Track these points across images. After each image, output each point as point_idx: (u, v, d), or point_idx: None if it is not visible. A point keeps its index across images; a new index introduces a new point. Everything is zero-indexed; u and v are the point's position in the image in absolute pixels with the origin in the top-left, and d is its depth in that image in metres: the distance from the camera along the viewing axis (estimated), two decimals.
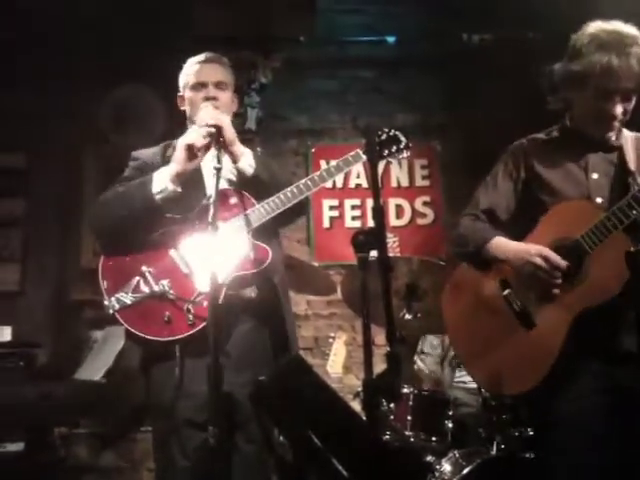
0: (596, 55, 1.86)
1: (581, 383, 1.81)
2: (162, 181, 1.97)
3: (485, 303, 2.01)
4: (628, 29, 1.88)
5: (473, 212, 2.09)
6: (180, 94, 2.25)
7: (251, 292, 2.08)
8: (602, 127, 1.94)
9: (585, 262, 1.83)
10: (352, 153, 2.10)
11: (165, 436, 1.98)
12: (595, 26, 1.92)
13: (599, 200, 1.90)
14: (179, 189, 1.99)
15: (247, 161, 2.04)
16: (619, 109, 1.89)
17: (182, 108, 2.24)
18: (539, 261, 1.87)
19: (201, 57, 2.22)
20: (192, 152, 1.97)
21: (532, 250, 1.90)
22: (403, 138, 2.16)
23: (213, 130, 1.96)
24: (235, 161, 2.04)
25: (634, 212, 1.76)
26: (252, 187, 2.05)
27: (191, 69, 2.21)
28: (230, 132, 2.01)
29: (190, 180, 2.02)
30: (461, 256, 2.10)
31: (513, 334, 1.93)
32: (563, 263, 1.86)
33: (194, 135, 1.98)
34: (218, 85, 2.17)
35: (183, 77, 2.23)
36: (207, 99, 2.13)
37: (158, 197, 1.97)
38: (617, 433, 1.78)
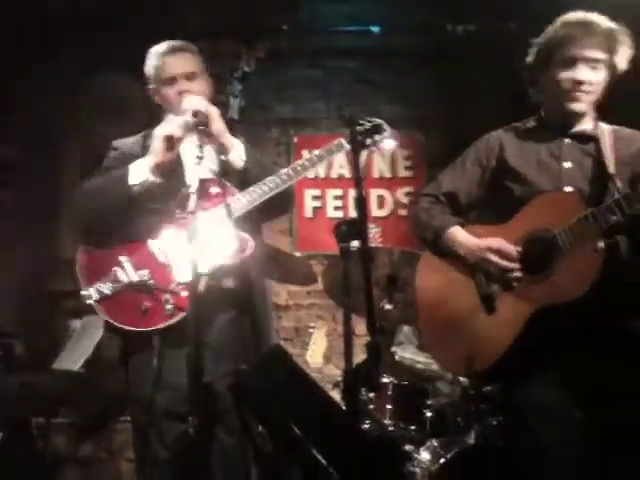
0: (560, 28, 1.92)
1: (550, 375, 1.82)
2: (141, 173, 1.94)
3: (453, 284, 2.02)
4: (593, 14, 1.91)
5: (434, 193, 2.09)
6: (151, 87, 2.16)
7: (231, 282, 2.07)
8: (569, 98, 1.91)
9: (556, 258, 1.82)
10: (335, 142, 2.09)
11: (144, 427, 1.97)
12: (562, 16, 1.96)
13: (569, 189, 1.90)
14: (159, 180, 1.96)
15: (238, 153, 2.00)
16: (584, 75, 1.89)
17: (157, 102, 2.16)
18: (489, 255, 1.90)
19: (164, 47, 2.13)
20: (170, 143, 1.93)
21: (482, 245, 1.92)
22: (387, 127, 2.15)
23: (190, 120, 1.91)
24: (225, 153, 1.99)
25: (614, 218, 1.74)
26: (238, 179, 2.02)
27: (158, 62, 2.12)
28: (219, 123, 1.96)
29: (170, 170, 2.00)
30: (421, 240, 2.11)
31: (475, 316, 1.95)
32: (514, 251, 1.87)
33: (172, 125, 1.94)
34: (188, 77, 2.11)
35: (150, 69, 2.15)
36: (180, 94, 2.06)
37: (136, 189, 1.94)
38: (585, 425, 1.80)
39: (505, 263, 1.88)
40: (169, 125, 1.96)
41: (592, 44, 1.88)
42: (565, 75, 1.90)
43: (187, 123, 1.92)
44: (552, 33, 1.93)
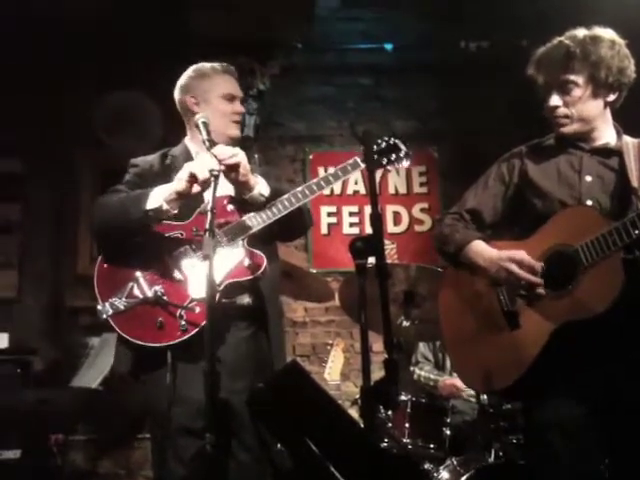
0: (533, 61, 1.97)
1: (571, 391, 1.79)
2: (157, 200, 1.95)
3: (476, 300, 2.01)
4: (581, 30, 1.92)
5: (458, 211, 2.09)
6: (195, 96, 2.18)
7: (247, 299, 2.07)
8: (555, 124, 1.95)
9: (579, 273, 1.80)
10: (350, 161, 2.09)
11: (161, 443, 1.97)
12: None
13: (589, 202, 1.88)
14: (174, 210, 1.96)
15: (259, 191, 2.01)
16: (553, 101, 1.92)
17: (195, 110, 2.16)
18: (511, 266, 1.87)
19: (225, 67, 2.23)
20: (194, 180, 1.93)
21: (504, 256, 1.90)
22: (403, 147, 2.14)
23: (217, 174, 1.86)
24: (248, 191, 2.00)
25: (637, 232, 1.71)
26: (253, 207, 2.04)
27: (219, 77, 2.20)
28: (246, 168, 1.98)
29: (187, 200, 2.00)
30: (442, 255, 2.10)
31: (498, 332, 1.93)
32: (538, 265, 1.84)
33: (201, 167, 1.91)
34: (241, 101, 2.24)
35: (206, 82, 2.19)
36: (236, 114, 2.19)
37: (151, 214, 1.95)
38: (604, 445, 1.78)
39: (527, 275, 1.85)
40: (199, 165, 1.92)
41: (552, 68, 1.91)
42: (546, 104, 1.95)
43: (214, 173, 1.86)
44: (529, 67, 1.98)
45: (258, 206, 2.03)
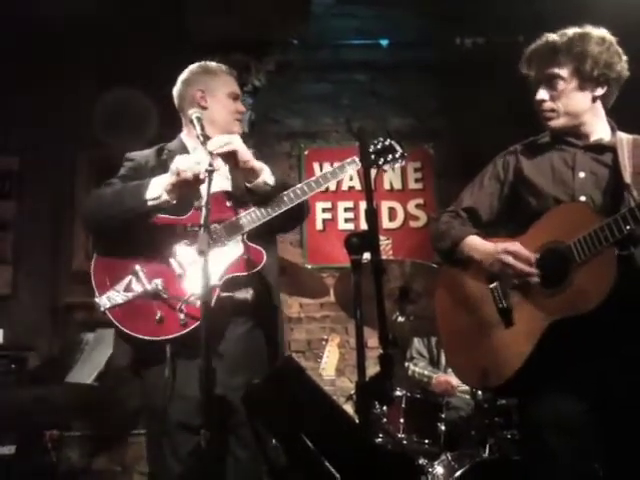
0: (524, 58, 1.99)
1: (565, 387, 1.80)
2: (157, 189, 1.95)
3: (471, 298, 2.01)
4: (572, 29, 1.93)
5: (454, 209, 2.10)
6: (202, 90, 2.19)
7: (246, 294, 2.07)
8: (543, 118, 1.96)
9: (571, 270, 1.80)
10: (348, 160, 2.12)
11: (158, 439, 1.97)
12: None
13: (583, 198, 1.89)
14: (173, 201, 1.96)
15: (263, 178, 2.02)
16: (540, 95, 1.94)
17: (202, 104, 2.18)
18: (505, 257, 1.88)
19: (228, 68, 2.27)
20: (178, 175, 1.93)
21: (499, 248, 1.91)
22: (399, 147, 2.17)
23: (203, 175, 1.88)
24: (253, 177, 2.01)
25: (628, 227, 1.71)
26: (260, 199, 2.04)
27: (225, 77, 2.24)
28: (244, 153, 1.99)
29: (187, 192, 2.00)
30: (439, 252, 2.11)
31: (493, 330, 1.94)
32: (532, 256, 1.85)
33: (188, 165, 1.92)
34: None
35: (213, 78, 2.22)
36: (240, 112, 2.25)
37: (150, 203, 1.95)
38: (601, 441, 1.79)
39: (522, 265, 1.86)
40: (186, 163, 1.93)
41: (540, 63, 1.93)
42: (534, 98, 1.96)
43: (199, 174, 1.89)
44: (521, 64, 2.00)
45: (264, 195, 2.03)
